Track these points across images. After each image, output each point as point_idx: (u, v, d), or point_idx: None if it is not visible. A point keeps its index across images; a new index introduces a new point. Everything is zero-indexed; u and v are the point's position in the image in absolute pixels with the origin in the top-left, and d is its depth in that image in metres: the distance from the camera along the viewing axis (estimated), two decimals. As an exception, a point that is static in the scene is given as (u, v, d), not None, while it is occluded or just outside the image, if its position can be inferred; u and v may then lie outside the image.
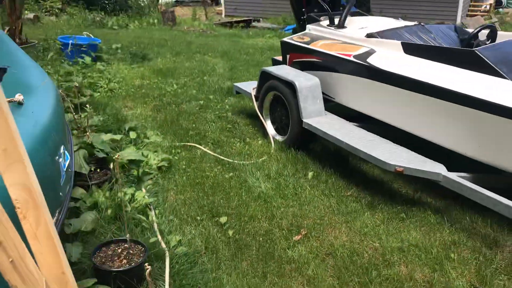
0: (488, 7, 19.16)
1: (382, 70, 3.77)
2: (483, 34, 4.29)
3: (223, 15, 21.37)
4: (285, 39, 5.02)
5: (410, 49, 3.80)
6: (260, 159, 4.26)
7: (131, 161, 3.63)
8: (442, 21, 16.04)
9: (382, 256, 2.91)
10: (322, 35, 4.79)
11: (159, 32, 12.61)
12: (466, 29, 4.66)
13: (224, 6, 21.68)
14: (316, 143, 4.58)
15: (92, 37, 7.88)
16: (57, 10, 13.90)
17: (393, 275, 2.74)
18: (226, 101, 5.98)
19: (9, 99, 1.81)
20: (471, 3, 19.27)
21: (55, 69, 6.39)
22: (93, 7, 15.05)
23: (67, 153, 1.95)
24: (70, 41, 7.20)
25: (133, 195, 3.26)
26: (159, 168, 3.90)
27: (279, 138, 4.69)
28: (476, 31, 3.96)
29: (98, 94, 6.06)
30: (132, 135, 4.43)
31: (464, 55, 3.37)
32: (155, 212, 3.21)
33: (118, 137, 4.25)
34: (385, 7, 17.10)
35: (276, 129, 4.79)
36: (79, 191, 3.14)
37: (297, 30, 5.93)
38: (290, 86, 4.32)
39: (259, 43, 11.70)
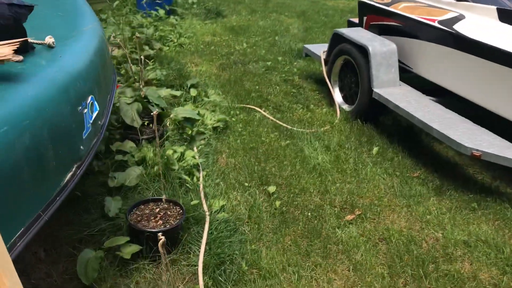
0: None
1: (470, 39, 3.30)
2: None
3: None
4: (363, -1, 4.60)
5: (507, 16, 3.29)
6: (322, 129, 3.99)
7: (186, 119, 3.53)
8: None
9: (443, 249, 2.61)
10: (405, -3, 4.32)
11: (239, -11, 12.36)
12: None
13: None
14: (386, 116, 4.22)
15: (168, -10, 7.83)
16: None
17: (454, 271, 2.43)
18: (295, 63, 5.70)
19: (38, 41, 1.72)
20: None
21: (128, 20, 6.43)
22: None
23: (97, 105, 1.85)
24: (146, -7, 7.20)
25: (182, 154, 3.17)
26: (215, 128, 3.77)
27: (346, 107, 4.38)
28: None
29: (168, 48, 6.02)
30: (193, 92, 4.33)
31: None
32: (202, 174, 3.10)
33: (178, 93, 4.18)
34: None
35: (344, 98, 4.47)
36: (129, 145, 3.10)
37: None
38: (363, 50, 3.96)
39: (340, 5, 11.09)
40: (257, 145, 3.66)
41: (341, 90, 4.51)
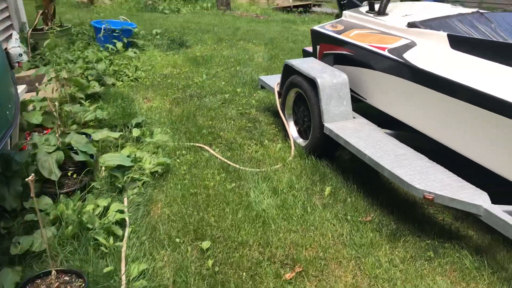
0: None
1: (419, 69, 3.07)
2: None
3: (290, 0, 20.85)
4: (316, 27, 4.39)
5: (458, 43, 3.07)
6: (273, 167, 3.71)
7: (117, 167, 3.22)
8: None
9: (392, 311, 2.30)
10: (358, 23, 4.11)
11: (210, 17, 12.23)
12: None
13: None
14: (343, 150, 3.95)
15: (128, 21, 7.61)
16: (111, -7, 13.96)
17: None
18: (254, 95, 5.45)
19: None
20: None
21: (82, 55, 6.17)
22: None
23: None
24: (103, 26, 6.96)
25: (106, 208, 2.86)
26: (153, 173, 3.47)
27: (301, 141, 4.11)
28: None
29: (121, 83, 5.76)
30: (135, 132, 4.03)
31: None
32: (128, 231, 2.79)
33: (116, 134, 3.88)
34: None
35: (299, 132, 4.20)
36: (45, 201, 2.78)
37: (339, 16, 5.27)
38: (313, 83, 3.72)
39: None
40: (199, 190, 3.35)
41: (296, 124, 4.25)
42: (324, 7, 16.08)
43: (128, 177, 3.25)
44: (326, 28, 4.26)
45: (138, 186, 3.23)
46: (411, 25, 3.50)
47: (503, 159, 2.62)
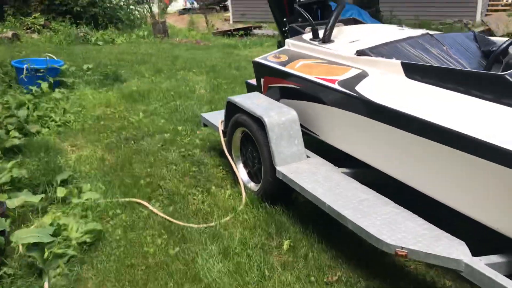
0: (510, 0, 17.99)
1: (374, 103, 2.79)
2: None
3: (231, 21, 20.92)
4: (258, 59, 4.06)
5: (413, 71, 2.82)
6: (223, 220, 3.31)
7: (34, 244, 2.71)
8: (460, 20, 14.94)
9: None
10: (302, 53, 3.82)
11: (147, 46, 11.78)
12: (491, 38, 3.64)
13: (232, 12, 21.27)
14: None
15: (55, 58, 7.03)
16: (38, 27, 13.18)
17: None
18: (198, 132, 5.05)
19: None
20: None
21: (1, 100, 5.55)
22: (80, 21, 14.33)
23: None
24: (24, 66, 6.36)
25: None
26: (81, 244, 2.97)
27: (252, 186, 3.74)
28: (506, 44, 2.93)
29: (47, 130, 5.19)
30: (60, 192, 3.51)
31: (490, 81, 2.38)
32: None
33: (37, 198, 3.35)
34: (396, 7, 16.07)
35: (249, 174, 3.83)
36: None
37: (281, 44, 4.99)
38: (259, 122, 3.37)
39: (254, 54, 10.77)
40: (137, 261, 2.88)
41: (245, 166, 3.87)
42: (264, 29, 16.01)
43: (49, 254, 2.74)
44: (269, 59, 3.94)
45: (61, 267, 2.71)
46: (360, 53, 3.24)
47: (475, 200, 2.36)
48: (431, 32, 3.75)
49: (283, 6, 4.73)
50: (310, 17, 4.01)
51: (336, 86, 3.12)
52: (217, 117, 4.31)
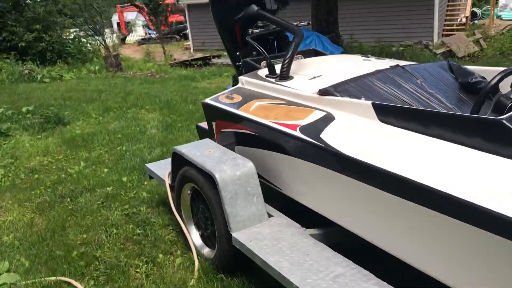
0: (464, 19, 18.42)
1: (342, 156, 2.32)
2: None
3: (191, 50, 20.75)
4: (208, 100, 3.56)
5: (387, 114, 2.38)
6: (171, 301, 2.74)
7: None
8: (419, 41, 15.04)
9: None
10: (258, 92, 3.36)
11: (98, 81, 11.17)
12: (466, 67, 3.28)
13: (192, 40, 21.12)
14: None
15: (-14, 103, 6.38)
16: (-22, 66, 12.40)
17: None
18: (145, 183, 4.47)
19: None
20: (446, 17, 18.57)
21: None
22: (26, 57, 13.60)
23: None
24: None
25: None
26: None
27: (206, 252, 3.19)
28: (496, 79, 2.53)
29: (-30, 188, 4.51)
30: (-33, 278, 2.88)
31: (484, 127, 1.96)
32: None
33: None
34: (356, 31, 16.09)
35: (202, 237, 3.28)
36: None
37: (236, 79, 4.53)
38: (210, 178, 2.85)
39: (213, 86, 10.36)
40: None
41: (198, 228, 3.32)
42: (224, 58, 15.70)
43: None
44: (221, 100, 3.46)
45: None
46: (324, 92, 2.79)
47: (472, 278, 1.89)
48: (401, 62, 3.37)
49: (236, 37, 4.28)
50: (264, 51, 3.57)
51: (297, 133, 2.64)
52: (164, 167, 3.76)
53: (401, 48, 14.41)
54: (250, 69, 3.84)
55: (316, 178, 2.60)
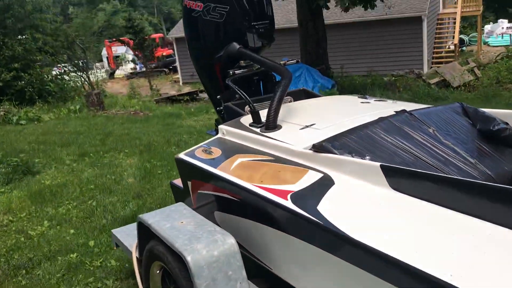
0: (452, 47, 18.40)
1: (349, 239, 1.80)
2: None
3: (180, 83, 20.58)
4: (182, 155, 3.03)
5: (400, 179, 1.89)
6: None
7: None
8: (411, 70, 14.80)
9: None
10: (240, 145, 2.86)
11: (77, 122, 10.64)
12: (483, 110, 2.80)
13: (181, 73, 20.98)
14: None
15: None
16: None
17: None
18: (115, 249, 3.90)
19: None
20: (435, 46, 18.57)
21: None
22: (4, 97, 13.11)
23: None
24: None
25: None
26: None
27: None
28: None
29: None
30: None
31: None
32: None
33: None
34: (347, 63, 15.87)
35: (177, 324, 2.72)
36: None
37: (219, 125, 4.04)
38: (181, 259, 2.31)
39: (199, 124, 9.89)
40: None
41: (171, 311, 2.76)
42: (211, 92, 15.31)
43: None
44: (197, 156, 2.93)
45: None
46: (319, 148, 2.29)
47: None
48: (406, 105, 2.91)
49: (216, 78, 3.82)
50: (246, 96, 3.08)
51: (288, 203, 2.12)
52: (134, 234, 3.20)
53: (393, 78, 14.13)
54: (232, 115, 3.36)
55: (313, 261, 2.07)
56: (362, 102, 3.20)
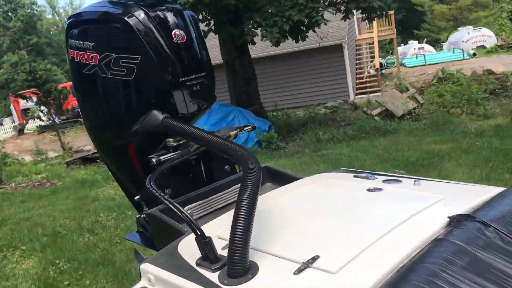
0: (372, 71, 18.57)
1: None
2: None
3: None
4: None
5: None
6: None
7: None
8: (345, 101, 14.28)
9: None
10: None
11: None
12: None
13: None
14: None
15: None
16: None
17: None
18: None
19: None
20: (356, 71, 18.78)
21: None
22: None
23: None
24: None
25: None
26: None
27: None
28: None
29: None
30: None
31: None
32: None
33: None
34: (280, 100, 15.19)
35: None
36: None
37: (141, 225, 2.69)
38: None
39: (119, 193, 8.35)
40: None
41: None
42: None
43: None
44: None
45: None
46: None
47: None
48: (445, 189, 1.78)
49: (132, 165, 2.52)
50: (185, 213, 1.76)
51: None
52: None
53: (329, 111, 13.52)
54: (162, 233, 2.07)
55: None
56: (369, 190, 2.03)
